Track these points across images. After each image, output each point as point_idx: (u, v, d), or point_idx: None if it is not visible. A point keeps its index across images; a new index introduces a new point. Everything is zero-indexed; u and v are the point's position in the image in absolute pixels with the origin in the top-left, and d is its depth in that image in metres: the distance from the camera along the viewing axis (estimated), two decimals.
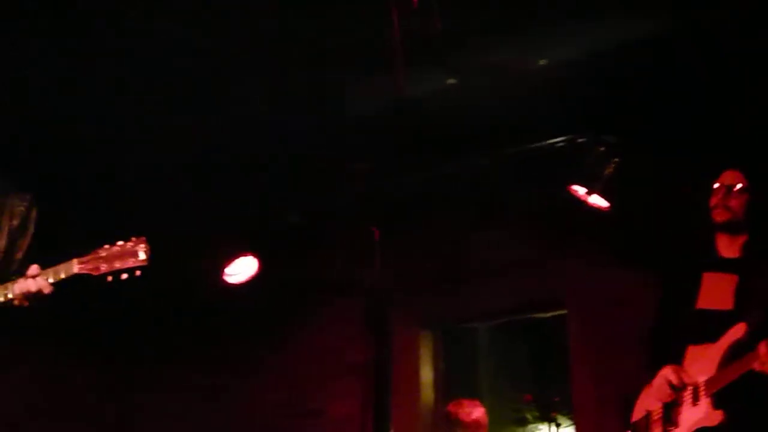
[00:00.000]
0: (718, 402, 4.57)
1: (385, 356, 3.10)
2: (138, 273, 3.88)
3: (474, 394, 7.21)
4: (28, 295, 3.86)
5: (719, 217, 4.96)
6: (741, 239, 4.95)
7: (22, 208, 4.23)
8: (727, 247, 4.97)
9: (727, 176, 5.00)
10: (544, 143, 6.49)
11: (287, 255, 7.52)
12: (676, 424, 4.72)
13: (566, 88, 5.97)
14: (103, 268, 3.86)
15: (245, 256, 7.27)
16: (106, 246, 3.91)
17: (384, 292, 3.19)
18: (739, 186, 4.94)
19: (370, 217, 3.03)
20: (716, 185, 5.00)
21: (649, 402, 4.94)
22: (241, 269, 7.31)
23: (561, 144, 6.48)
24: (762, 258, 4.85)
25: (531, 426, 8.53)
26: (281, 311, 7.92)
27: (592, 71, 5.87)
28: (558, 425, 6.97)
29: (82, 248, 3.92)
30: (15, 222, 4.19)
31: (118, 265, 3.86)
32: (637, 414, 5.03)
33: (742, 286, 4.80)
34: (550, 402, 7.16)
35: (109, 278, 3.88)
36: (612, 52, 5.71)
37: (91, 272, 3.87)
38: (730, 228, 4.95)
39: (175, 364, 8.26)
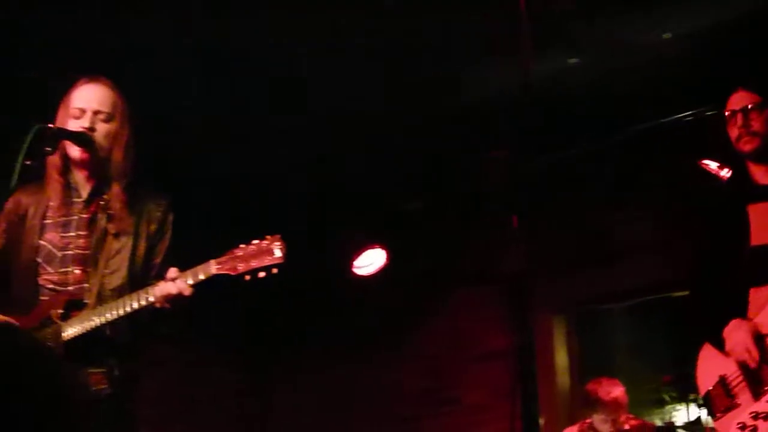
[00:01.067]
0: None
1: (528, 342, 3.06)
2: (275, 271, 3.90)
3: (611, 377, 7.11)
4: (168, 298, 3.92)
5: (746, 146, 4.44)
6: None
7: (159, 213, 4.29)
8: (766, 174, 4.45)
9: (737, 98, 4.49)
10: (673, 118, 6.36)
11: (417, 245, 7.53)
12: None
13: (692, 60, 5.84)
14: (241, 267, 3.90)
15: (373, 248, 7.33)
16: (242, 246, 3.94)
17: (525, 277, 3.14)
18: (755, 104, 4.42)
19: (509, 204, 2.99)
20: (727, 113, 4.49)
21: (716, 367, 4.40)
22: (370, 261, 7.38)
23: (690, 118, 6.34)
24: None
25: (669, 407, 8.37)
26: (415, 301, 7.94)
27: (718, 42, 5.73)
28: (699, 405, 6.81)
29: (217, 250, 3.97)
30: (153, 227, 4.26)
31: (255, 263, 3.89)
32: (707, 383, 4.46)
33: None
34: (688, 382, 6.99)
35: (247, 277, 3.91)
36: (736, 23, 5.56)
37: (229, 272, 3.90)
38: (762, 155, 4.43)
39: (312, 358, 8.36)
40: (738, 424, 4.22)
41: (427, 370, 7.88)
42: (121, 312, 3.97)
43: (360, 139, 6.60)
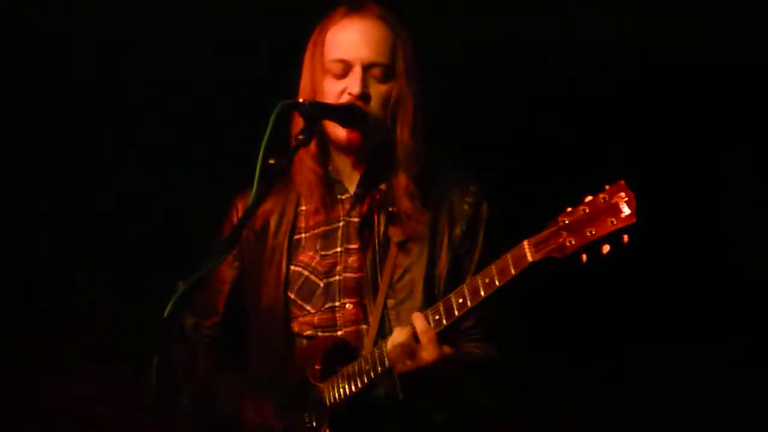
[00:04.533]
0: None
1: None
2: (626, 239, 2.30)
3: None
4: (405, 356, 2.50)
5: None
6: None
7: (467, 207, 2.79)
8: None
9: None
10: None
11: None
12: None
13: None
14: (571, 243, 2.33)
15: None
16: (569, 209, 2.36)
17: None
18: None
19: None
20: None
21: None
22: None
23: None
24: None
25: None
26: None
27: None
28: None
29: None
30: (459, 229, 2.77)
31: (592, 233, 2.31)
32: None
33: None
34: None
35: (584, 257, 2.34)
36: None
37: (556, 254, 2.36)
38: None
39: None
40: None
41: None
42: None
43: None
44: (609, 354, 4.66)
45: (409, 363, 2.50)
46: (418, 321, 2.51)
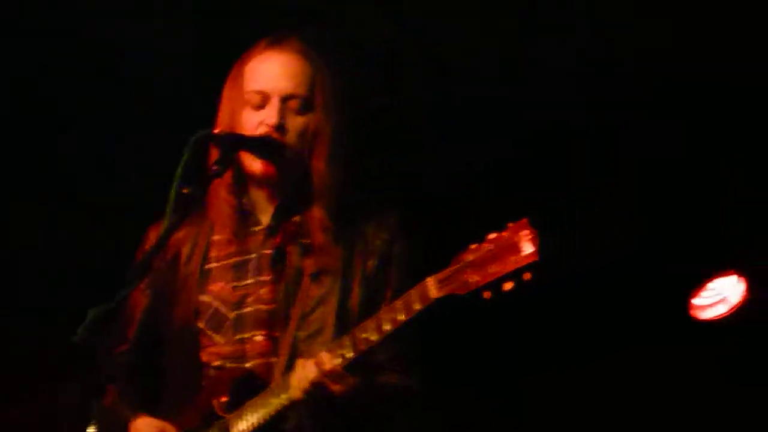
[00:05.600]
0: None
1: None
2: (527, 276, 2.37)
3: None
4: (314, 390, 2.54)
5: None
6: None
7: (380, 242, 2.82)
8: None
9: None
10: None
11: None
12: None
13: None
14: (474, 280, 2.39)
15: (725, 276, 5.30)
16: (472, 247, 2.43)
17: None
18: None
19: None
20: None
21: None
22: (719, 296, 5.38)
23: None
24: None
25: None
26: None
27: None
28: None
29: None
30: (371, 262, 2.79)
31: (495, 269, 2.37)
32: None
33: None
34: None
35: (486, 294, 2.40)
36: None
37: (459, 291, 2.42)
38: None
39: None
40: None
41: None
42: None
43: None
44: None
45: (315, 396, 2.52)
46: (325, 355, 2.53)
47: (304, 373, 2.54)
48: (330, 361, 2.52)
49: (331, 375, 2.51)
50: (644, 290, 5.13)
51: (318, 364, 2.52)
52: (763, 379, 5.14)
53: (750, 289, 5.19)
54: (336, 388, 2.52)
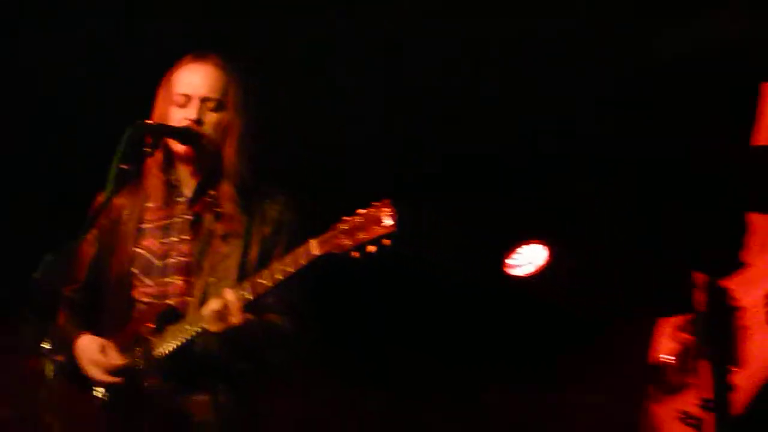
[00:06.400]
0: None
1: None
2: (386, 242, 3.23)
3: None
4: (218, 321, 3.41)
5: None
6: None
7: (275, 213, 3.68)
8: None
9: None
10: None
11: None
12: None
13: None
14: (347, 243, 3.26)
15: (531, 243, 6.44)
16: (346, 218, 3.29)
17: None
18: None
19: None
20: None
21: None
22: (527, 259, 6.47)
23: None
24: None
25: None
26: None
27: None
28: None
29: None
30: (267, 229, 3.65)
31: (362, 236, 3.24)
32: None
33: None
34: None
35: (355, 254, 3.26)
36: None
37: (334, 251, 3.28)
38: None
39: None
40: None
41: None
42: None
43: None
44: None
45: (220, 325, 3.37)
46: (229, 294, 3.38)
47: (212, 306, 3.37)
48: (232, 297, 3.36)
49: (231, 308, 3.36)
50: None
51: (223, 299, 3.36)
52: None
53: (551, 255, 6.36)
54: (233, 320, 3.36)
